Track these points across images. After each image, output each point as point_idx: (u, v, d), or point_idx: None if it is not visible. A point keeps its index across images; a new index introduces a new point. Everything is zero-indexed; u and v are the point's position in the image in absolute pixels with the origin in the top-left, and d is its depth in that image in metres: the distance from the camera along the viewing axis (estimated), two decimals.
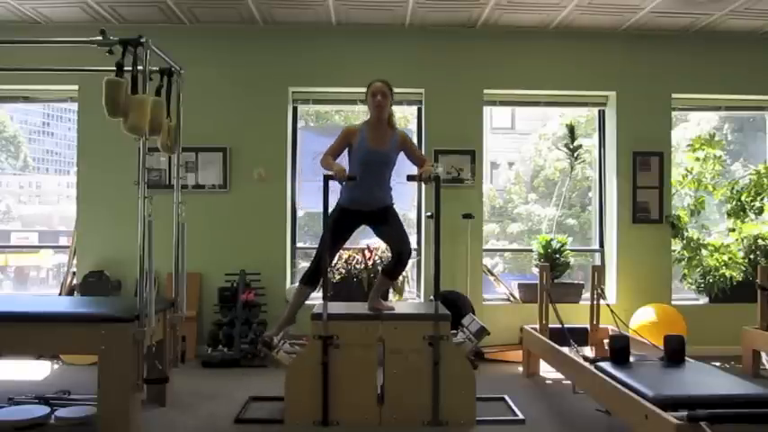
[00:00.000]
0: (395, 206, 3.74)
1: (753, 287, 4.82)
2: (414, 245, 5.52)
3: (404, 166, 3.80)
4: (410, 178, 3.71)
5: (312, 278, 3.70)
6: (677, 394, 2.64)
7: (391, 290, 5.06)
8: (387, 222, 3.65)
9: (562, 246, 5.46)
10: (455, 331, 3.56)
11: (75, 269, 5.32)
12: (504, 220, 8.58)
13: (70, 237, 5.54)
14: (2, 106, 8.64)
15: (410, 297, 5.46)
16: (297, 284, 3.87)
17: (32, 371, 4.65)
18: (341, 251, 4.71)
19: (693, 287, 5.64)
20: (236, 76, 5.39)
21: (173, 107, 3.73)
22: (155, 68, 3.53)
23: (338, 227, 3.64)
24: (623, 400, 2.78)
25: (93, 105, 4.43)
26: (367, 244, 5.36)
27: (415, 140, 5.21)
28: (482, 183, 5.48)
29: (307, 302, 3.79)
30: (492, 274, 5.73)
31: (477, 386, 3.42)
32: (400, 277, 4.99)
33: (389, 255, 3.91)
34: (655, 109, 5.50)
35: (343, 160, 3.68)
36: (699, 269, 5.56)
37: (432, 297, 3.75)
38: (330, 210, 3.57)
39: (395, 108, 3.86)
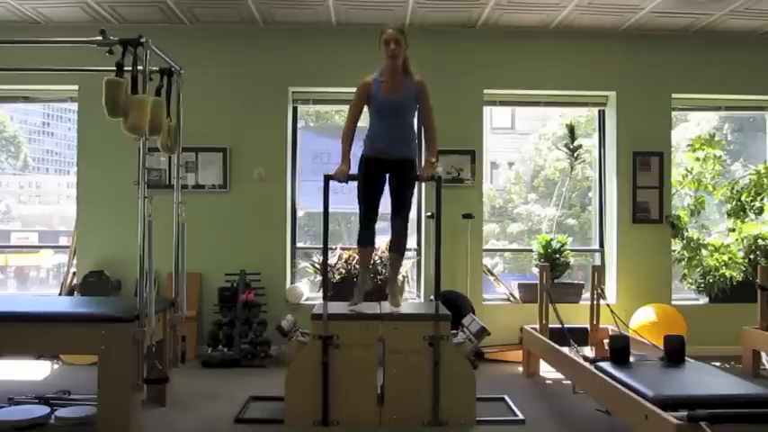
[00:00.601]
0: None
1: (753, 287, 4.82)
2: (414, 245, 5.54)
3: None
4: None
5: (362, 237, 3.64)
6: (677, 394, 2.64)
7: None
8: (404, 192, 3.60)
9: (562, 246, 5.45)
10: (455, 331, 3.56)
11: (75, 269, 5.32)
12: (504, 220, 8.57)
13: (70, 237, 5.54)
14: (2, 106, 8.63)
15: (410, 297, 5.46)
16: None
17: (32, 371, 4.65)
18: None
19: (693, 287, 5.64)
20: (236, 76, 5.39)
21: (173, 107, 3.74)
22: (155, 68, 3.53)
23: (368, 180, 3.60)
24: (623, 400, 2.78)
25: (93, 105, 4.42)
26: None
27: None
28: (482, 183, 5.48)
29: (307, 303, 3.78)
30: (492, 274, 5.72)
31: (477, 386, 3.42)
32: (400, 276, 4.99)
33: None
34: (655, 109, 5.50)
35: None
36: (699, 269, 5.55)
37: (432, 297, 3.75)
38: (329, 209, 3.55)
39: None
